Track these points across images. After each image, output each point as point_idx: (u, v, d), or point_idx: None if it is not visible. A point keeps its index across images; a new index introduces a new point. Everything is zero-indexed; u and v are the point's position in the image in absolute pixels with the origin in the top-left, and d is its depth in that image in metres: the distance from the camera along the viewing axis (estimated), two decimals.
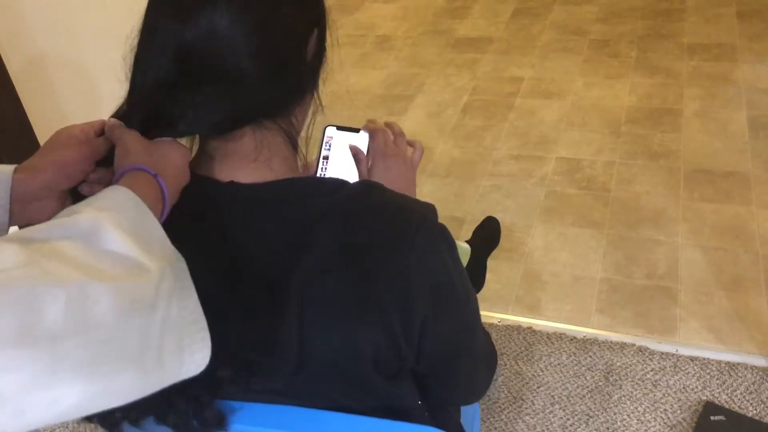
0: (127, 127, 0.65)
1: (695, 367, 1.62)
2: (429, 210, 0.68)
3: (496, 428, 1.54)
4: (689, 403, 1.54)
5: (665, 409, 1.53)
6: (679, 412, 1.53)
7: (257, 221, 0.65)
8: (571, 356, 1.69)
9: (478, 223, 2.06)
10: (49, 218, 0.57)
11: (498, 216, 2.09)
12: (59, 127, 0.68)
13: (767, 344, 1.66)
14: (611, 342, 1.71)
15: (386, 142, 0.84)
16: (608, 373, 1.63)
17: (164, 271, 0.50)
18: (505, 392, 1.61)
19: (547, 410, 1.57)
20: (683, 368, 1.62)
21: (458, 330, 0.72)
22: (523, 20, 3.43)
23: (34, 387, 0.41)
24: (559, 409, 1.57)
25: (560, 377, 1.64)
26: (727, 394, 1.55)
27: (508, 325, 1.79)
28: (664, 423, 1.51)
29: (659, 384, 1.59)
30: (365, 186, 0.68)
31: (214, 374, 0.60)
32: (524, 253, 2.03)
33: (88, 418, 0.65)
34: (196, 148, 0.71)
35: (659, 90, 2.73)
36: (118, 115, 0.68)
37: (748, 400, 1.53)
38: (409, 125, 2.72)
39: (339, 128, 0.83)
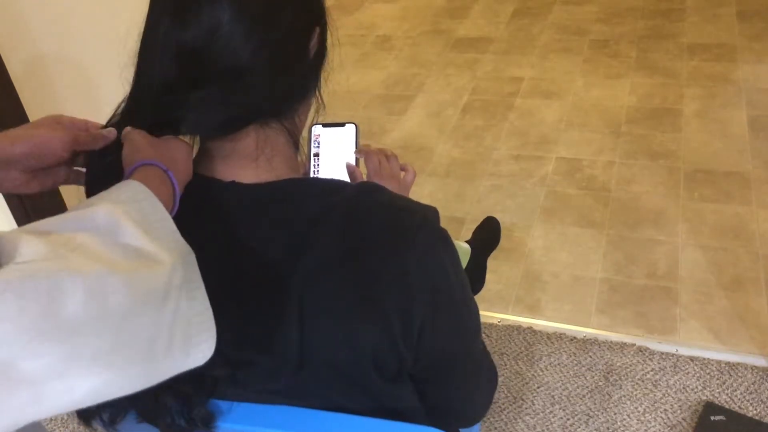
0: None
1: (695, 367, 1.62)
2: (430, 212, 0.68)
3: (496, 428, 1.54)
4: (689, 403, 1.54)
5: (665, 409, 1.53)
6: (679, 412, 1.53)
7: (258, 221, 0.65)
8: (571, 356, 1.69)
9: (478, 223, 2.06)
10: (6, 189, 0.63)
11: (498, 216, 2.09)
12: None
13: (767, 344, 1.66)
14: (611, 342, 1.71)
15: (381, 163, 0.87)
16: (608, 373, 1.63)
17: (176, 264, 0.51)
18: (505, 392, 1.61)
19: (547, 410, 1.57)
20: (683, 368, 1.62)
21: (456, 334, 0.72)
22: (523, 20, 3.43)
23: (55, 374, 0.42)
24: (559, 409, 1.57)
25: (560, 377, 1.64)
26: (727, 394, 1.55)
27: (508, 325, 1.79)
28: (664, 423, 1.51)
29: (659, 384, 1.59)
30: (367, 187, 0.68)
31: (212, 373, 0.60)
32: (524, 253, 2.03)
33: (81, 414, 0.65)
34: (196, 148, 0.71)
35: (659, 90, 2.73)
36: (118, 114, 0.68)
37: (748, 400, 1.53)
38: (409, 125, 2.72)
39: (324, 125, 0.86)
